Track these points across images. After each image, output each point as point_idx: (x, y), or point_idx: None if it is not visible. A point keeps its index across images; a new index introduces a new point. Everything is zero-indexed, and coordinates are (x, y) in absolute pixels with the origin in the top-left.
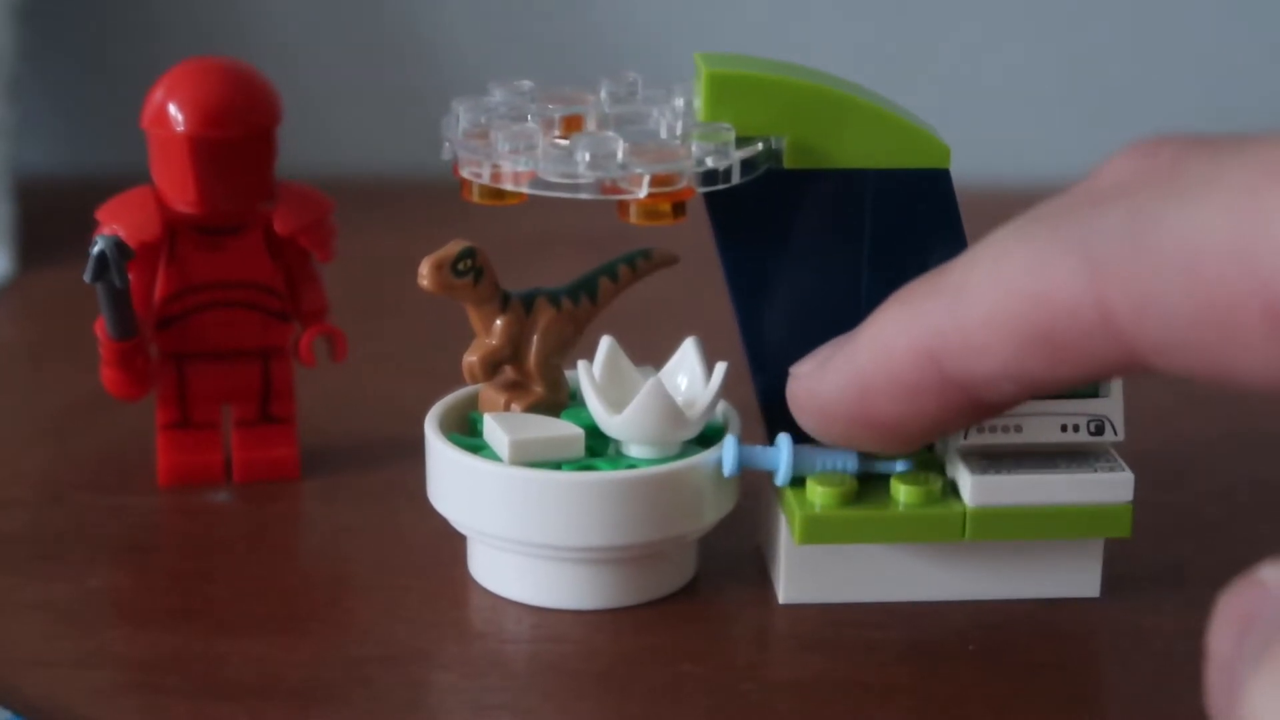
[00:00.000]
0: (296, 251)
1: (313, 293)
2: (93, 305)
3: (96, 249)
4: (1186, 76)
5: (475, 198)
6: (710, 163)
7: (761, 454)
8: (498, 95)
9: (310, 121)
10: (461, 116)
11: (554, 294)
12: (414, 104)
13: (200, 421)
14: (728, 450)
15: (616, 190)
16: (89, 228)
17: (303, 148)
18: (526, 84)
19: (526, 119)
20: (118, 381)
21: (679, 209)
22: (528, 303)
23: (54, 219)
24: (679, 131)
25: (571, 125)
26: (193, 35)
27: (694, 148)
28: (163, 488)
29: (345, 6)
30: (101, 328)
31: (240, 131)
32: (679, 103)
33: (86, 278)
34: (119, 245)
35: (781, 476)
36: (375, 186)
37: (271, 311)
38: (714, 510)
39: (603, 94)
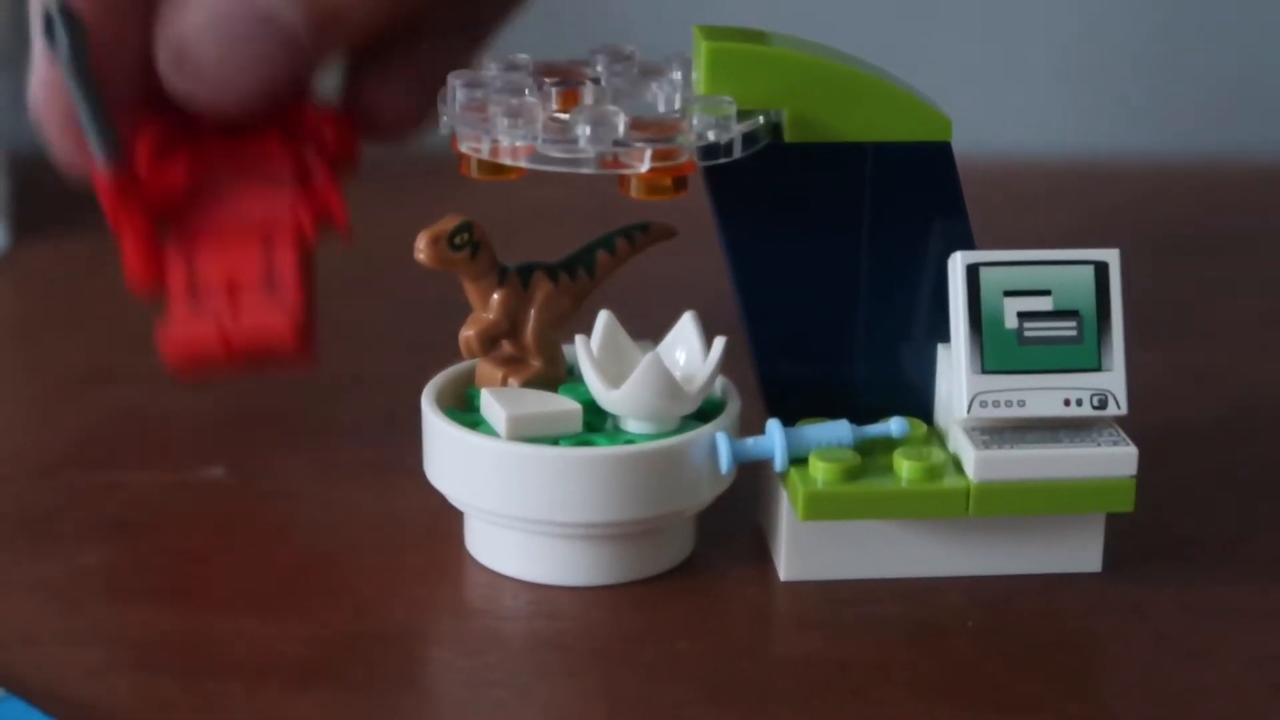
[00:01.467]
0: None
1: None
2: (86, 279)
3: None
4: (1188, 47)
5: (474, 173)
6: (712, 136)
7: (755, 445)
8: (493, 69)
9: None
10: (459, 91)
11: (551, 268)
12: None
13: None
14: (721, 447)
15: (618, 165)
16: (84, 202)
17: None
18: (523, 57)
19: (524, 93)
20: (125, 258)
21: (680, 183)
22: (525, 276)
23: (48, 192)
24: (678, 105)
25: (569, 99)
26: None
27: (694, 121)
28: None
29: None
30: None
31: None
32: (677, 75)
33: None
34: (67, 13)
35: (779, 463)
36: (373, 160)
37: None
38: (712, 486)
39: (599, 67)
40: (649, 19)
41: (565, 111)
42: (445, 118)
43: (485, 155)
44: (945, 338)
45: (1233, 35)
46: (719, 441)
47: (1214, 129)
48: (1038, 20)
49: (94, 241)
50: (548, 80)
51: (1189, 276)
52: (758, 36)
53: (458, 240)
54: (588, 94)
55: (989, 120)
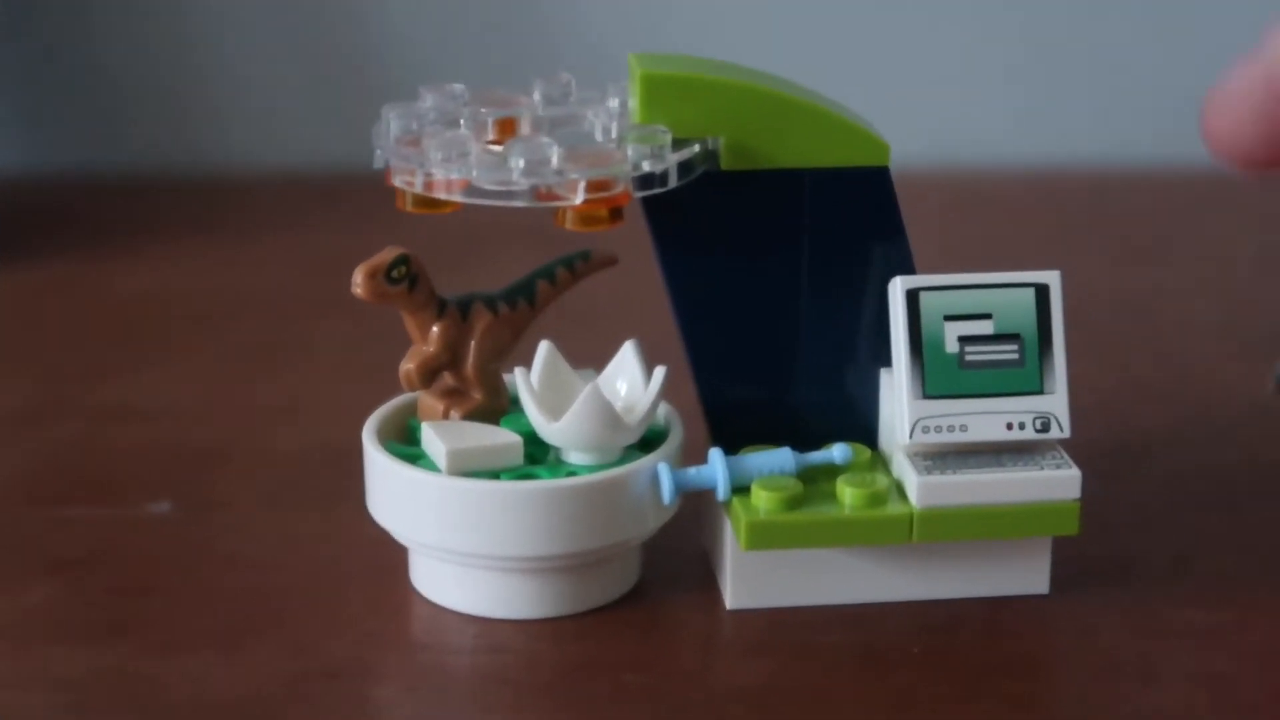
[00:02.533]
0: None
1: None
2: (30, 311)
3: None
4: (1140, 54)
5: (409, 207)
6: (647, 166)
7: (696, 475)
8: (429, 100)
9: (257, 116)
10: (393, 123)
11: (491, 299)
12: (360, 97)
13: None
14: (663, 478)
15: (553, 196)
16: (37, 229)
17: (250, 142)
18: (458, 87)
19: (459, 124)
20: None
21: (616, 214)
22: (464, 308)
23: (0, 220)
24: (614, 134)
25: (505, 128)
26: (137, 35)
27: (629, 151)
28: None
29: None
30: None
31: None
32: (614, 104)
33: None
34: None
35: (721, 492)
36: (321, 181)
37: None
38: (656, 516)
39: (536, 96)
40: (589, 45)
41: (502, 142)
42: (379, 151)
43: (420, 189)
44: (888, 362)
45: (1189, 42)
46: (660, 472)
47: (1166, 136)
48: (989, 29)
49: (37, 272)
50: (483, 110)
51: (1142, 283)
52: (694, 63)
53: (395, 274)
54: (524, 123)
55: (943, 130)
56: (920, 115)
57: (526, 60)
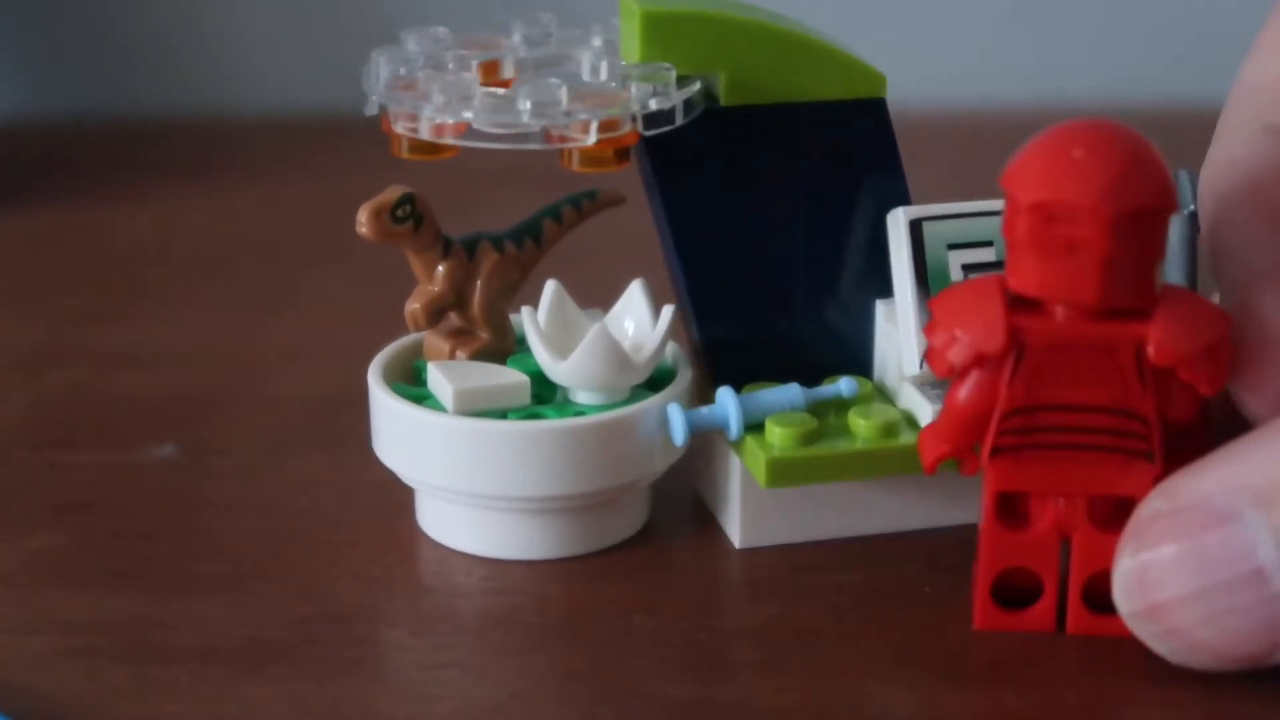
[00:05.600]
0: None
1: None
2: (32, 254)
3: None
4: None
5: (404, 153)
6: (654, 105)
7: (709, 414)
8: (413, 44)
9: (256, 60)
10: (382, 67)
11: (497, 238)
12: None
13: None
14: (675, 418)
15: (563, 139)
16: (35, 173)
17: (249, 86)
18: (441, 30)
19: (447, 67)
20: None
21: (622, 155)
22: (470, 247)
23: (5, 166)
24: (604, 73)
25: (488, 71)
26: None
27: (634, 89)
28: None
29: None
30: None
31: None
32: (597, 42)
33: None
34: None
35: (734, 432)
36: (322, 123)
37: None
38: (665, 456)
39: (516, 37)
40: None
41: (486, 84)
42: (373, 97)
43: (425, 135)
44: (882, 294)
45: None
46: (672, 413)
47: (1176, 72)
48: None
49: (36, 218)
50: (464, 52)
51: None
52: (686, 0)
53: (400, 213)
54: (508, 66)
55: (929, 70)
56: (919, 52)
57: (491, 6)
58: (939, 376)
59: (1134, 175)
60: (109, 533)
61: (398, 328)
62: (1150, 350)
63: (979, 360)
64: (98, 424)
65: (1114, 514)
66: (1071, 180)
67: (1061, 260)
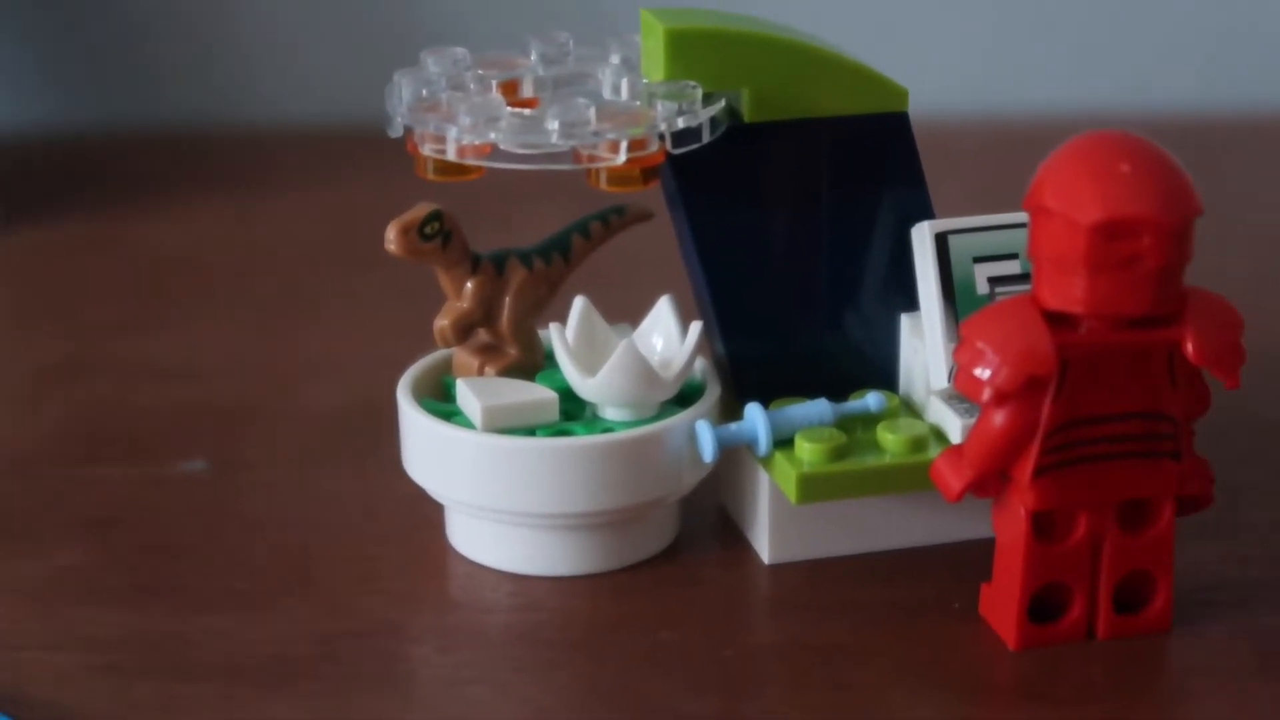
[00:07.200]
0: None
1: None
2: (64, 267)
3: None
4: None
5: (430, 174)
6: (681, 123)
7: (738, 431)
8: (433, 66)
9: (285, 70)
10: (405, 89)
11: (525, 254)
12: (394, 52)
13: None
14: (704, 435)
15: (592, 158)
16: (67, 185)
17: (279, 97)
18: (460, 51)
19: (468, 88)
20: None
21: (650, 174)
22: (499, 264)
23: (27, 179)
24: (625, 91)
25: (508, 90)
26: None
27: (660, 107)
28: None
29: None
30: None
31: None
32: (615, 60)
33: None
34: None
35: (763, 448)
36: (351, 135)
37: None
38: (693, 472)
39: (533, 56)
40: (574, 5)
41: (515, 104)
42: (398, 118)
43: (452, 156)
44: (907, 307)
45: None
46: (701, 429)
47: (1193, 80)
48: None
49: (66, 229)
50: (484, 73)
51: None
52: (709, 16)
53: (428, 230)
54: (528, 85)
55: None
56: (941, 62)
57: (516, 19)
58: (975, 401)
59: (1179, 183)
60: (136, 548)
61: (426, 340)
62: (1189, 350)
63: (1031, 384)
64: (126, 438)
65: (1136, 516)
66: (1130, 196)
67: (1116, 274)
